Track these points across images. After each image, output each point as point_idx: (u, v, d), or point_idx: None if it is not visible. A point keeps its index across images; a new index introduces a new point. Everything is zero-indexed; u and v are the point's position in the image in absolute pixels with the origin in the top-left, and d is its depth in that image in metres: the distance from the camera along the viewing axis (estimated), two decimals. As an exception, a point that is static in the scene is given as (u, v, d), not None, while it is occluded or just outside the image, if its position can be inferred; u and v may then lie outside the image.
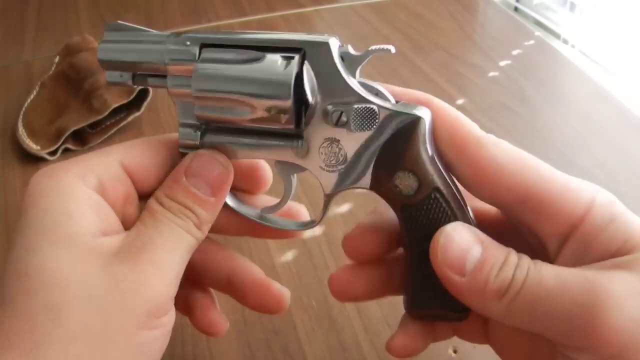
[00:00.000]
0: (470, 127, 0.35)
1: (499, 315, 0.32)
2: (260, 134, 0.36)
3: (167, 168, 0.37)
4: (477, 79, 0.82)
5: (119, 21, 0.38)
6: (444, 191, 0.34)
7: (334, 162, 0.36)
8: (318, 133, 0.35)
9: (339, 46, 0.35)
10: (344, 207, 0.62)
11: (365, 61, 0.35)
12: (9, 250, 0.31)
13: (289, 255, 0.56)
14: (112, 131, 0.72)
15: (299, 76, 0.34)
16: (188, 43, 0.35)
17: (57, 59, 0.82)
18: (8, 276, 0.30)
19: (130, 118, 0.73)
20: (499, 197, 0.34)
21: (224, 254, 0.41)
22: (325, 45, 0.34)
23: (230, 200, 0.39)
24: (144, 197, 0.36)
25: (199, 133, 0.36)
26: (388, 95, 0.35)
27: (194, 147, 0.36)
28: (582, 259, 0.32)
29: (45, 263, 0.30)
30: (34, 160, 0.69)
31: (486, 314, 0.33)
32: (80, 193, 0.33)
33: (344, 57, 0.35)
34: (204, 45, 0.35)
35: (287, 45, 0.35)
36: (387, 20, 0.97)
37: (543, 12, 1.21)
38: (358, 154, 0.35)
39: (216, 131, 0.37)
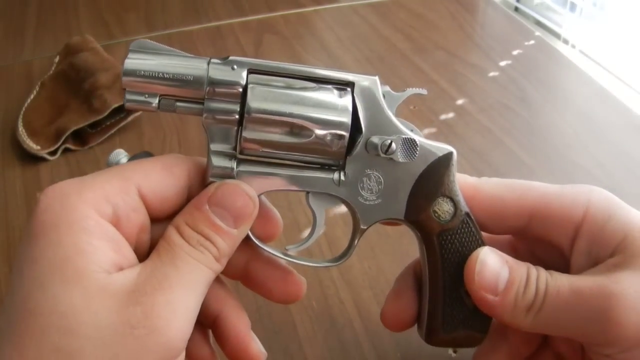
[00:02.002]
0: (462, 177, 0.39)
1: (527, 326, 0.35)
2: (299, 165, 0.36)
3: (185, 195, 0.35)
4: (477, 79, 0.82)
5: (147, 40, 0.35)
6: (472, 216, 0.38)
7: (373, 193, 0.37)
8: (359, 164, 0.36)
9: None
10: (343, 207, 0.62)
11: (402, 100, 0.38)
12: (17, 278, 0.30)
13: (289, 256, 0.56)
14: (112, 131, 0.72)
15: (354, 106, 0.35)
16: (235, 67, 0.34)
17: (57, 59, 0.82)
18: (17, 310, 0.29)
19: (130, 118, 0.73)
20: (510, 225, 0.39)
21: (217, 293, 0.38)
22: (372, 81, 0.36)
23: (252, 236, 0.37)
24: (156, 221, 0.35)
25: (234, 162, 0.35)
26: (419, 132, 0.38)
27: (229, 177, 0.35)
28: (590, 256, 0.36)
29: (56, 303, 0.29)
30: (34, 160, 0.69)
31: (516, 326, 0.36)
32: (94, 225, 0.31)
33: (385, 94, 0.37)
34: (251, 71, 0.35)
35: (334, 79, 0.36)
36: (387, 20, 0.97)
37: (543, 12, 1.21)
38: (396, 185, 0.37)
39: (253, 161, 0.35)
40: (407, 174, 0.37)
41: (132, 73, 0.33)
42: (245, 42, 0.92)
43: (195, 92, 0.34)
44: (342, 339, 0.49)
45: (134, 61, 0.34)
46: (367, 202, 0.37)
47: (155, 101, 0.34)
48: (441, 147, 0.37)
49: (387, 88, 0.37)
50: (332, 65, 0.86)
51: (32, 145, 0.69)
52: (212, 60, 0.34)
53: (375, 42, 0.92)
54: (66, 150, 0.71)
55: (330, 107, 0.35)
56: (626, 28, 1.06)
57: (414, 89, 0.38)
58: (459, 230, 0.37)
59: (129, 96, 0.34)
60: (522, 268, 0.36)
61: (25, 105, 0.75)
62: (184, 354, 0.32)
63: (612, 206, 0.37)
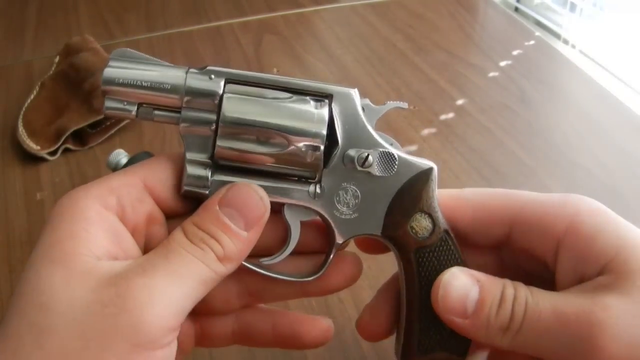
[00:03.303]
0: (446, 190, 0.38)
1: (505, 347, 0.33)
2: (274, 176, 0.36)
3: None
4: (477, 79, 0.82)
5: (128, 49, 0.36)
6: (451, 234, 0.36)
7: (349, 207, 0.36)
8: (336, 177, 0.36)
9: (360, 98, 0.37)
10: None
11: (383, 114, 0.37)
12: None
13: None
14: (112, 131, 0.72)
15: (330, 118, 0.35)
16: (212, 76, 0.35)
17: (57, 59, 0.83)
18: (13, 294, 0.30)
19: (130, 118, 0.73)
20: (493, 234, 0.37)
21: (262, 312, 0.40)
22: (351, 93, 0.36)
23: None
24: (171, 216, 0.35)
25: (209, 171, 0.35)
26: (399, 146, 0.37)
27: (204, 186, 0.35)
28: (576, 273, 0.34)
29: (39, 282, 0.29)
30: (34, 160, 0.69)
31: (493, 346, 0.35)
32: (95, 215, 0.31)
33: (364, 107, 0.36)
34: (228, 80, 0.35)
35: (313, 90, 0.36)
36: (387, 20, 0.97)
37: (543, 13, 1.21)
38: (373, 200, 0.36)
39: (228, 170, 0.35)
40: (385, 188, 0.36)
41: (111, 81, 0.34)
42: (245, 42, 0.92)
43: (172, 101, 0.34)
44: (342, 338, 0.49)
45: (114, 70, 0.34)
46: (343, 216, 0.36)
47: (134, 109, 0.35)
48: (422, 163, 0.37)
49: (367, 101, 0.37)
50: (332, 65, 0.86)
51: (32, 145, 0.69)
52: (191, 69, 0.35)
53: (375, 42, 0.92)
54: (66, 150, 0.71)
55: (306, 117, 0.34)
56: (626, 28, 1.06)
57: (394, 102, 0.38)
58: (437, 248, 0.36)
59: (108, 103, 0.35)
60: (496, 287, 0.34)
61: (25, 105, 0.76)
62: (169, 353, 0.31)
63: (602, 219, 0.34)
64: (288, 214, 0.36)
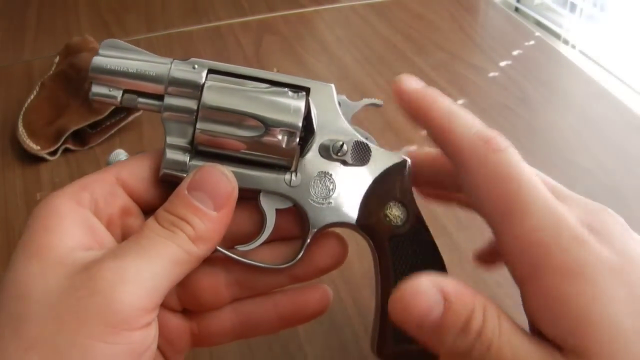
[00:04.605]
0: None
1: None
2: (251, 163, 0.37)
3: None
4: (477, 80, 0.82)
5: (117, 39, 0.37)
6: (425, 224, 0.37)
7: (324, 195, 0.37)
8: (311, 166, 0.37)
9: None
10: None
11: (358, 110, 0.39)
12: None
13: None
14: (112, 131, 0.72)
15: (307, 108, 0.36)
16: (195, 66, 0.36)
17: (57, 59, 0.82)
18: None
19: (130, 118, 0.73)
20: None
21: (260, 298, 0.39)
22: (328, 87, 0.38)
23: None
24: (149, 209, 0.36)
25: (187, 156, 0.36)
26: (374, 141, 0.38)
27: (182, 170, 0.36)
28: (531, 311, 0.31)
29: (17, 275, 0.30)
30: (34, 160, 0.69)
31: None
32: (68, 210, 0.33)
33: (340, 102, 0.38)
34: (210, 71, 0.36)
35: (292, 82, 0.37)
36: (388, 20, 0.97)
37: (543, 13, 1.21)
38: (348, 189, 0.37)
39: (207, 156, 0.36)
40: (360, 179, 0.37)
41: (99, 69, 0.36)
42: (245, 43, 0.92)
43: (156, 88, 0.36)
44: (342, 338, 0.49)
45: (103, 58, 0.36)
46: (318, 205, 0.37)
47: (119, 95, 0.36)
48: (397, 155, 0.38)
49: (344, 97, 0.38)
50: (333, 65, 0.86)
51: (32, 146, 0.69)
52: (175, 60, 0.36)
53: (375, 42, 0.92)
54: (66, 150, 0.71)
55: (283, 106, 0.36)
56: (626, 28, 1.06)
57: (369, 99, 0.39)
58: (411, 237, 0.37)
59: (94, 89, 0.36)
60: (463, 311, 0.29)
61: (26, 105, 0.75)
62: (146, 335, 0.31)
63: (570, 286, 0.29)
64: (264, 202, 0.37)
